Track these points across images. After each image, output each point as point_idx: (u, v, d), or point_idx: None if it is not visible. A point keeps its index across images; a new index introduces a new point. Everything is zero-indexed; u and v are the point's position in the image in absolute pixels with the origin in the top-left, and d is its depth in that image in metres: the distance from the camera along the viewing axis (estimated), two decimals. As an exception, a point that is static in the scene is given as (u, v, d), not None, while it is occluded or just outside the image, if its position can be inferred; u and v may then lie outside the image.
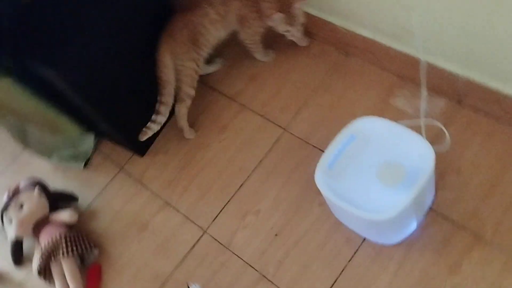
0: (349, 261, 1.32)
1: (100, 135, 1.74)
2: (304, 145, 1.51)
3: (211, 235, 1.46)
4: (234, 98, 1.67)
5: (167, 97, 1.52)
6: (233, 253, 1.41)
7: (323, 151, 1.25)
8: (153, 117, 1.53)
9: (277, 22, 1.47)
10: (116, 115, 1.52)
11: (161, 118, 1.54)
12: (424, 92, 1.33)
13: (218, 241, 1.44)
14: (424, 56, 1.31)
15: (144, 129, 1.53)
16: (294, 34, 1.53)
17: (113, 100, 1.48)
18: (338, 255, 1.33)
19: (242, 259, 1.40)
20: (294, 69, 1.65)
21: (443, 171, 1.34)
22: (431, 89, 1.44)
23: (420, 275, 1.25)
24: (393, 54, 1.44)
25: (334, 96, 1.55)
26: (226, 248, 1.43)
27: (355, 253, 1.32)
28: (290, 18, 1.46)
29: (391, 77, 1.52)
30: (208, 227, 1.48)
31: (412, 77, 1.43)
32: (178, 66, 1.50)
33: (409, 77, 1.47)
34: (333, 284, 1.30)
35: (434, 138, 1.39)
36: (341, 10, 1.46)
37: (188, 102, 1.57)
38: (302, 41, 1.63)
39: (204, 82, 1.73)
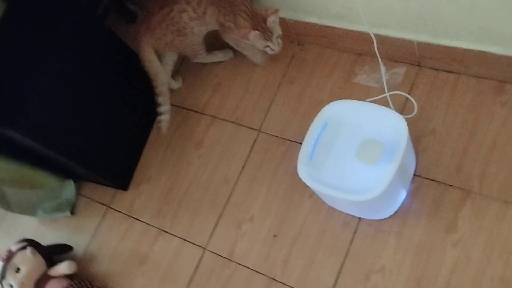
0: (351, 243, 1.33)
1: (79, 179, 1.73)
2: (281, 141, 1.52)
3: (212, 251, 1.46)
4: (202, 111, 1.67)
5: (161, 87, 1.56)
6: (238, 263, 1.42)
7: (300, 144, 1.26)
8: (158, 110, 1.59)
9: (255, 40, 1.41)
10: (89, 158, 1.51)
11: (165, 107, 1.59)
12: (382, 66, 1.35)
13: (220, 255, 1.45)
14: (373, 30, 1.33)
15: (159, 124, 1.62)
16: (273, 48, 1.45)
17: (82, 144, 1.47)
18: (339, 240, 1.35)
19: (247, 267, 1.40)
20: (254, 70, 1.65)
21: (419, 135, 1.37)
22: (390, 59, 1.47)
23: (420, 241, 1.27)
24: (345, 34, 1.46)
25: (298, 88, 1.57)
26: (230, 260, 1.43)
27: (354, 234, 1.34)
28: (266, 33, 1.40)
29: (349, 57, 1.54)
30: (207, 244, 1.48)
31: (369, 53, 1.45)
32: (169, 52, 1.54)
33: (366, 53, 1.50)
34: (341, 269, 1.32)
35: (402, 107, 1.42)
36: (286, 3, 1.47)
37: (200, 58, 1.64)
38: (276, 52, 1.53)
39: (170, 102, 1.72)
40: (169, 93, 1.60)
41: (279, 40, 1.44)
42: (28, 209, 1.70)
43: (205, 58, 1.66)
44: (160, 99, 1.58)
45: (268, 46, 1.43)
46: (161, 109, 1.59)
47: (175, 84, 1.72)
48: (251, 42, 1.41)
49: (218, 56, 1.68)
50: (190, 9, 1.43)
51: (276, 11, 1.37)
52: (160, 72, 1.55)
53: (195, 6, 1.43)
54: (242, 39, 1.43)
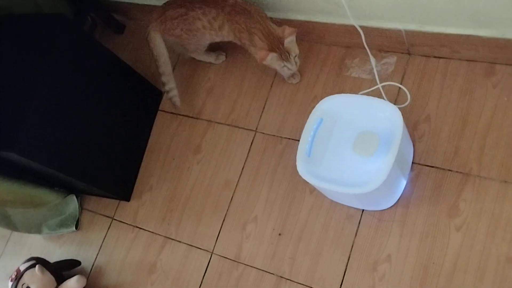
0: (355, 235, 1.35)
1: (82, 193, 1.73)
2: (278, 140, 1.53)
3: (219, 255, 1.47)
4: (198, 116, 1.68)
5: (163, 67, 1.57)
6: (245, 264, 1.43)
7: (297, 141, 1.27)
8: (164, 88, 1.62)
9: (272, 61, 1.38)
10: (89, 172, 1.52)
11: (170, 85, 1.61)
12: (372, 57, 1.36)
13: (228, 258, 1.46)
14: (360, 22, 1.34)
15: (172, 100, 1.64)
16: (291, 68, 1.42)
17: (80, 159, 1.48)
18: (344, 234, 1.36)
19: (255, 268, 1.41)
20: (247, 71, 1.66)
21: (414, 123, 1.38)
22: (379, 50, 1.48)
23: (424, 227, 1.28)
24: (333, 29, 1.47)
25: (291, 85, 1.57)
26: (237, 262, 1.44)
27: (358, 226, 1.35)
28: (284, 54, 1.36)
29: (339, 51, 1.55)
30: (214, 247, 1.49)
31: (358, 45, 1.45)
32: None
33: (355, 46, 1.50)
34: (348, 261, 1.33)
35: (396, 97, 1.43)
36: (272, 3, 1.48)
37: (196, 55, 1.65)
38: (295, 77, 1.54)
39: (165, 110, 1.74)
40: (172, 72, 1.62)
41: (297, 59, 1.41)
42: (33, 228, 1.71)
43: (199, 56, 1.66)
44: (163, 78, 1.60)
45: (285, 66, 1.40)
46: (167, 87, 1.62)
47: (216, 59, 1.70)
48: (268, 63, 1.38)
49: (211, 58, 1.68)
50: (205, 20, 1.43)
51: (294, 31, 1.33)
52: (164, 54, 1.56)
53: (211, 19, 1.42)
54: (259, 62, 1.40)
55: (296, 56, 1.40)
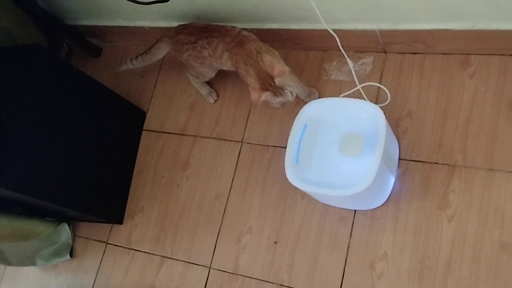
0: (350, 236, 1.36)
1: (73, 221, 1.72)
2: (265, 148, 1.54)
3: (217, 269, 1.47)
4: (183, 132, 1.68)
5: (145, 55, 1.60)
6: (244, 276, 1.43)
7: (284, 148, 1.28)
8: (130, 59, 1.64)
9: (267, 99, 1.35)
10: (78, 199, 1.51)
11: (133, 63, 1.64)
12: (349, 59, 1.38)
13: (226, 271, 1.46)
14: (333, 26, 1.35)
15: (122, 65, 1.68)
16: (287, 100, 1.38)
17: (68, 186, 1.47)
18: (338, 235, 1.37)
19: (254, 278, 1.42)
20: (227, 83, 1.67)
21: (397, 120, 1.40)
22: (356, 51, 1.50)
23: (416, 222, 1.30)
24: (308, 35, 1.49)
25: (273, 93, 1.58)
26: (236, 274, 1.44)
27: (352, 227, 1.36)
28: (277, 91, 1.32)
29: (316, 55, 1.57)
30: (211, 262, 1.49)
31: (335, 48, 1.46)
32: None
33: (332, 49, 1.52)
34: (345, 263, 1.34)
35: (376, 96, 1.45)
36: (245, 14, 1.49)
37: (195, 80, 1.65)
38: (309, 96, 1.48)
39: (149, 129, 1.73)
40: (143, 64, 1.66)
41: (292, 90, 1.37)
42: (27, 260, 1.69)
43: (197, 84, 1.66)
44: (137, 58, 1.64)
45: (281, 101, 1.39)
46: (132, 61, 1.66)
47: (207, 96, 1.69)
48: (264, 100, 1.35)
49: (203, 92, 1.67)
50: (210, 49, 1.45)
51: (282, 72, 1.29)
52: (151, 60, 1.62)
53: (214, 49, 1.44)
54: (253, 104, 1.39)
55: (291, 88, 1.36)
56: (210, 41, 1.44)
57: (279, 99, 1.36)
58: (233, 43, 1.39)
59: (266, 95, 1.32)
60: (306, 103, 1.29)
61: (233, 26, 1.44)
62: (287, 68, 1.34)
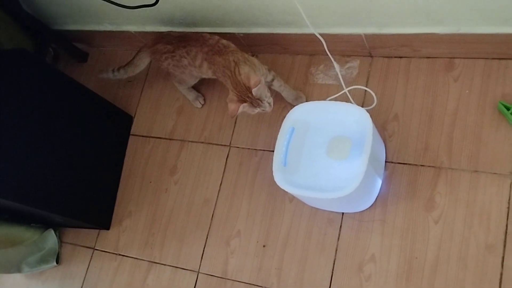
0: (338, 239, 1.36)
1: (60, 227, 1.70)
2: (253, 152, 1.54)
3: (205, 273, 1.47)
4: (170, 137, 1.68)
5: (128, 67, 1.62)
6: (233, 280, 1.43)
7: (272, 151, 1.28)
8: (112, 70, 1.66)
9: (245, 110, 1.35)
10: (64, 204, 1.49)
11: (115, 74, 1.66)
12: (335, 63, 1.39)
13: (215, 276, 1.45)
14: (320, 30, 1.37)
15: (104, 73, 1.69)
16: (265, 110, 1.37)
17: (54, 192, 1.46)
18: (326, 238, 1.37)
19: (243, 282, 1.41)
20: (214, 87, 1.67)
21: (383, 123, 1.41)
22: (342, 55, 1.51)
23: (403, 224, 1.31)
24: (295, 39, 1.50)
25: (260, 97, 1.59)
26: (225, 278, 1.44)
27: (340, 230, 1.37)
28: (254, 101, 1.32)
29: (303, 59, 1.58)
30: (200, 267, 1.48)
31: (322, 52, 1.48)
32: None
33: (319, 53, 1.53)
34: (333, 265, 1.34)
35: (363, 99, 1.46)
36: (231, 19, 1.50)
37: (180, 87, 1.64)
38: (296, 100, 1.50)
39: (137, 134, 1.73)
40: (125, 76, 1.68)
41: (270, 101, 1.36)
42: (13, 267, 1.67)
43: (183, 90, 1.65)
44: (120, 69, 1.65)
45: (259, 111, 1.37)
46: (116, 72, 1.67)
47: (194, 101, 1.68)
48: (242, 111, 1.35)
49: (190, 96, 1.66)
50: (189, 58, 1.45)
51: (259, 82, 1.28)
52: (134, 72, 1.64)
53: (193, 58, 1.44)
54: (231, 116, 1.39)
55: (268, 98, 1.36)
56: (188, 50, 1.44)
57: (257, 110, 1.36)
58: (212, 53, 1.40)
59: (243, 107, 1.33)
60: (293, 106, 1.30)
61: (211, 34, 1.44)
62: (264, 78, 1.34)
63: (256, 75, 1.32)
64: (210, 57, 1.40)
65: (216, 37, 1.43)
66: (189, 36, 1.47)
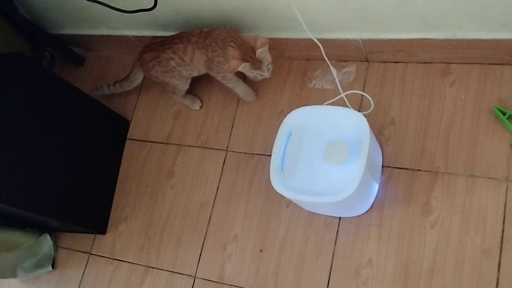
0: (335, 243, 1.36)
1: (55, 231, 1.69)
2: (250, 157, 1.54)
3: (202, 278, 1.46)
4: (167, 141, 1.68)
5: (123, 82, 1.67)
6: (230, 285, 1.43)
7: (269, 156, 1.28)
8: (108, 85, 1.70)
9: (245, 70, 1.40)
10: (60, 209, 1.48)
11: (110, 88, 1.70)
12: (332, 68, 1.40)
13: (211, 280, 1.45)
14: (317, 35, 1.38)
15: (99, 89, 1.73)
16: (264, 75, 1.44)
17: (50, 196, 1.45)
18: (323, 243, 1.37)
19: (240, 287, 1.41)
20: (211, 92, 1.67)
21: (380, 127, 1.41)
22: (339, 60, 1.52)
23: (400, 228, 1.31)
24: (292, 43, 1.50)
25: (257, 102, 1.59)
26: (221, 283, 1.44)
27: (337, 234, 1.37)
28: (256, 63, 1.38)
29: (300, 64, 1.58)
30: (196, 271, 1.48)
31: (318, 57, 1.48)
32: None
33: (316, 58, 1.54)
34: (330, 270, 1.34)
35: (359, 104, 1.46)
36: (229, 23, 1.50)
37: (175, 96, 1.66)
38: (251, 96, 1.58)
39: (133, 138, 1.73)
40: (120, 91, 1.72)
41: (270, 67, 1.43)
42: (8, 272, 1.65)
43: (179, 98, 1.66)
44: (116, 84, 1.70)
45: (259, 74, 1.43)
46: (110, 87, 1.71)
47: (192, 104, 1.68)
48: (242, 70, 1.40)
49: (187, 102, 1.67)
50: (177, 57, 1.47)
51: (266, 43, 1.35)
52: (130, 87, 1.69)
53: (181, 54, 1.46)
54: (231, 71, 1.41)
55: (269, 63, 1.43)
56: (175, 49, 1.46)
57: (256, 73, 1.41)
58: (202, 39, 1.43)
59: (244, 66, 1.37)
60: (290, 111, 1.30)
61: (198, 30, 1.46)
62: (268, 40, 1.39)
63: (264, 38, 1.37)
64: (201, 42, 1.43)
65: (197, 29, 1.46)
66: (171, 38, 1.49)
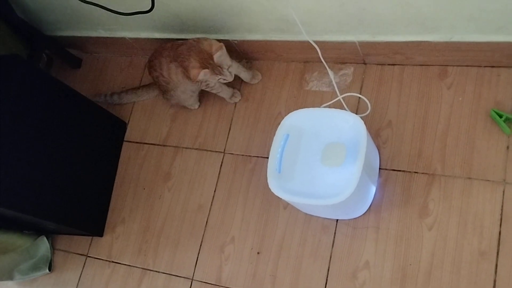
0: (332, 246, 1.36)
1: (52, 233, 1.69)
2: (247, 159, 1.54)
3: (199, 280, 1.46)
4: (165, 143, 1.67)
5: (132, 93, 1.73)
6: (227, 287, 1.42)
7: (266, 158, 1.28)
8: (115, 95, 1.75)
9: (206, 77, 1.41)
10: (57, 211, 1.48)
11: (120, 98, 1.75)
12: (329, 70, 1.40)
13: (209, 283, 1.45)
14: (314, 37, 1.38)
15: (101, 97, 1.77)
16: (226, 79, 1.45)
17: (47, 198, 1.44)
18: (321, 245, 1.37)
19: (237, 289, 1.41)
20: (209, 94, 1.67)
21: (377, 130, 1.42)
22: (336, 62, 1.52)
23: (397, 231, 1.31)
24: (290, 46, 1.50)
25: (254, 104, 1.59)
26: (219, 285, 1.43)
27: (334, 236, 1.37)
28: (216, 69, 1.40)
29: (297, 66, 1.58)
30: (193, 274, 1.48)
31: (316, 59, 1.49)
32: None
33: (313, 60, 1.54)
34: (328, 272, 1.34)
35: (357, 106, 1.47)
36: (227, 25, 1.50)
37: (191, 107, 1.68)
38: (236, 95, 1.61)
39: (130, 140, 1.72)
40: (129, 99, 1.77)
41: (231, 70, 1.45)
42: (4, 275, 1.65)
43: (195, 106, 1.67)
44: (122, 94, 1.75)
45: (221, 79, 1.45)
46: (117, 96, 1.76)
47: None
48: (203, 79, 1.42)
49: (187, 103, 1.67)
50: (164, 75, 1.50)
51: (220, 47, 1.38)
52: (149, 94, 1.74)
53: (162, 74, 1.49)
54: (192, 80, 1.43)
55: (229, 67, 1.44)
56: (157, 67, 1.49)
57: (218, 78, 1.43)
58: (172, 51, 1.45)
59: (205, 73, 1.38)
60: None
61: (171, 43, 1.48)
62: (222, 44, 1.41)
63: (218, 43, 1.39)
64: (173, 55, 1.45)
65: (170, 43, 1.48)
66: (152, 57, 1.52)
